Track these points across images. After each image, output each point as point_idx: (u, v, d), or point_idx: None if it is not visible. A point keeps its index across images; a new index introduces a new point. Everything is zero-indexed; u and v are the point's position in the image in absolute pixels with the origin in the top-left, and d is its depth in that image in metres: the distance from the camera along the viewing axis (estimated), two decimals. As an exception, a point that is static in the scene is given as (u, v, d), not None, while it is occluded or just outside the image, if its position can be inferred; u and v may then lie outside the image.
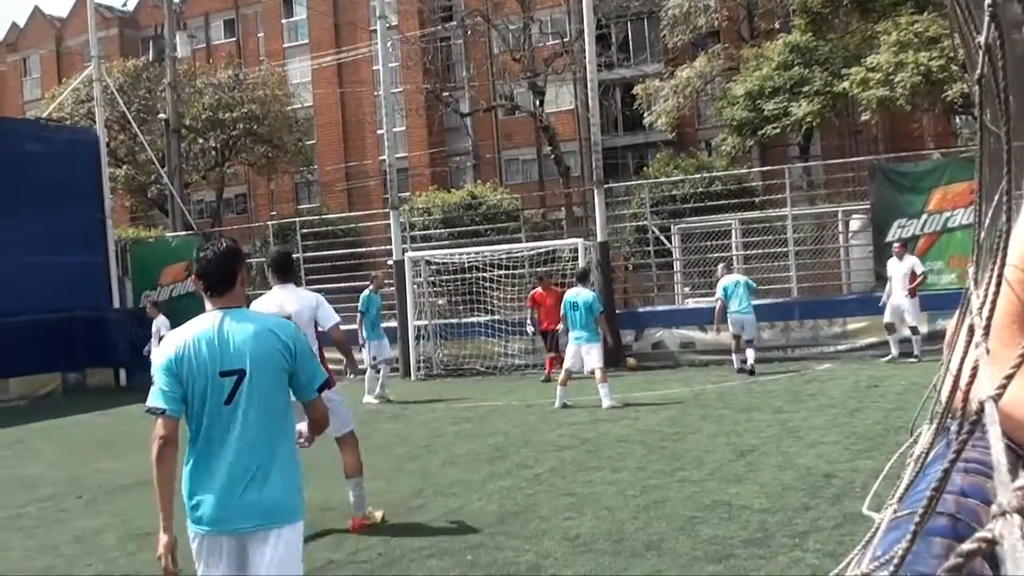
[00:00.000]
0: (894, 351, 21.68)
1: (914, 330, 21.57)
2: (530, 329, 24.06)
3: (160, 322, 23.64)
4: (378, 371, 21.40)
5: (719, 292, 21.79)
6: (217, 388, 5.15)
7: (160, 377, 5.20)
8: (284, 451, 5.30)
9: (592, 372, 17.99)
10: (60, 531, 10.95)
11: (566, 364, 18.26)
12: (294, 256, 32.10)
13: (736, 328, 21.58)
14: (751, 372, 21.06)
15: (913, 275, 21.57)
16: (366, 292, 21.73)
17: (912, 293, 21.51)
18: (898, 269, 21.71)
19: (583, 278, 18.63)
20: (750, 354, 21.46)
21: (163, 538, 5.08)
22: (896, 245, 22.25)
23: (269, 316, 5.56)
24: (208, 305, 5.33)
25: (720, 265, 23.02)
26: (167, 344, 5.29)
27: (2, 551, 10.26)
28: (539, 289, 23.64)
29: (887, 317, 21.86)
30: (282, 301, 9.73)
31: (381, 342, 21.71)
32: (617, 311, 25.05)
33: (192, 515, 5.19)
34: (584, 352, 17.85)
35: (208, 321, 5.26)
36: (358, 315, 21.37)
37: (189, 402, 5.19)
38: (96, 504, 12.43)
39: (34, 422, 22.37)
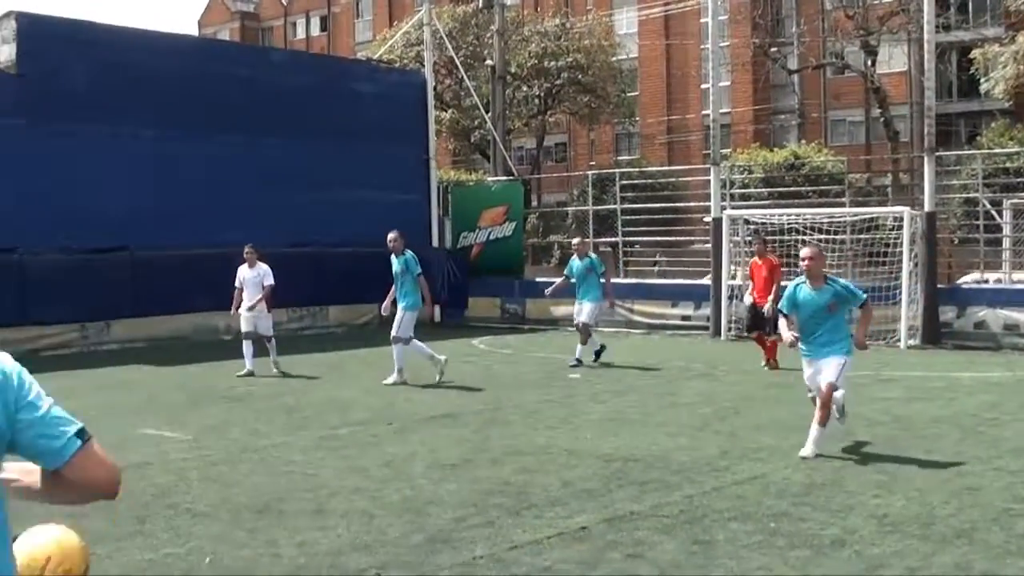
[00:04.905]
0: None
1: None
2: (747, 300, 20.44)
3: (262, 269, 19.18)
4: None
5: None
6: None
7: None
8: None
9: None
10: (371, 454, 11.38)
11: None
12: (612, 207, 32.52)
13: None
14: None
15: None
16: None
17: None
18: None
19: None
20: None
21: None
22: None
23: None
24: None
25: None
26: None
27: (315, 467, 10.73)
28: (755, 258, 20.06)
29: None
30: None
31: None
32: (939, 286, 23.97)
33: None
34: None
35: None
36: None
37: None
38: (406, 432, 12.83)
39: (351, 349, 23.34)
